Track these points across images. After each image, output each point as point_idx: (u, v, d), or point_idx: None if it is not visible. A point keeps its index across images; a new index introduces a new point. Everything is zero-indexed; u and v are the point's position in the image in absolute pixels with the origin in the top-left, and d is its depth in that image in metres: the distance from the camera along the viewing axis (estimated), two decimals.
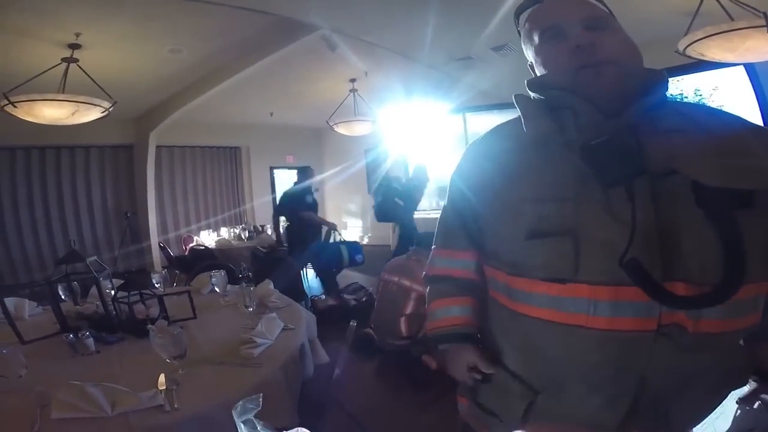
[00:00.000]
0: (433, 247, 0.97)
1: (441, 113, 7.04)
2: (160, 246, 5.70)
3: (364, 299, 4.10)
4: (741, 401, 0.80)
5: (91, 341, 1.50)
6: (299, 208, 4.81)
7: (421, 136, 7.82)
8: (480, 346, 0.89)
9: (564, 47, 0.72)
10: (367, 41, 4.18)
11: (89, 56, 3.95)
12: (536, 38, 0.77)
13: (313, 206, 5.06)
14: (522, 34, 0.83)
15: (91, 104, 3.69)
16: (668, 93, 0.73)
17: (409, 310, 2.98)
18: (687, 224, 0.61)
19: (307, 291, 3.91)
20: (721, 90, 4.30)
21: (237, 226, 6.29)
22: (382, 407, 2.48)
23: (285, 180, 8.19)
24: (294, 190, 5.02)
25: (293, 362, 1.50)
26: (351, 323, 1.75)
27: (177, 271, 5.08)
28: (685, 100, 4.43)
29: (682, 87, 4.50)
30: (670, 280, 0.61)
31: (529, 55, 0.82)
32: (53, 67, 3.82)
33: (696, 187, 0.59)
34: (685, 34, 2.88)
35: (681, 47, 2.93)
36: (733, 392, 0.77)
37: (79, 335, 1.49)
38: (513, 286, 0.75)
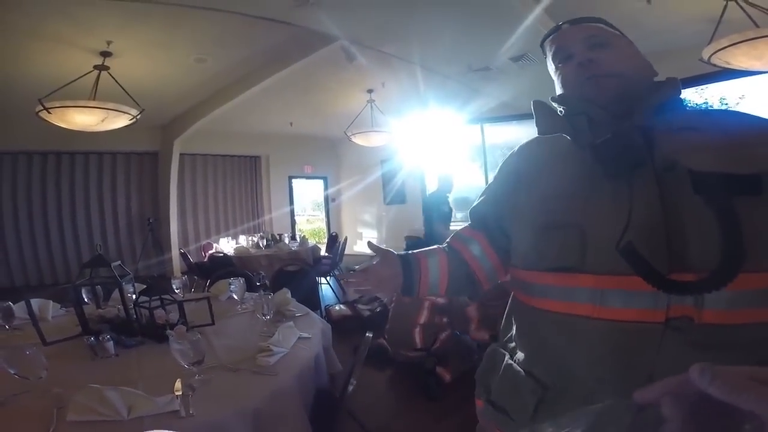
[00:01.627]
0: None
1: (458, 124, 7.03)
2: (180, 253, 5.80)
3: (378, 309, 4.09)
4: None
5: (111, 344, 1.52)
6: (432, 218, 4.76)
7: (438, 147, 7.82)
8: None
9: (571, 65, 0.82)
10: (385, 52, 4.22)
11: (119, 64, 4.09)
12: (552, 62, 0.88)
13: (447, 217, 4.95)
14: (547, 61, 0.93)
15: (120, 111, 3.82)
16: (683, 98, 0.79)
17: (422, 320, 2.96)
18: (690, 213, 0.63)
19: (321, 300, 3.91)
20: (748, 98, 4.19)
21: (255, 235, 6.35)
22: (395, 419, 2.47)
23: (303, 189, 8.29)
24: (430, 198, 4.97)
25: (308, 371, 1.50)
26: (367, 335, 1.73)
27: (195, 277, 5.14)
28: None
29: (706, 96, 4.39)
30: (678, 269, 0.62)
31: (552, 75, 0.92)
32: (86, 74, 3.96)
33: (692, 173, 0.62)
34: (709, 42, 2.84)
35: (705, 56, 2.89)
36: None
37: (100, 338, 1.51)
38: (527, 280, 0.81)
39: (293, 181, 9.46)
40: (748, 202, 0.59)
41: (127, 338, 1.64)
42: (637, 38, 0.85)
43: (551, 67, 0.90)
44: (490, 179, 0.98)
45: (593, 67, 0.78)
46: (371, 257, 0.94)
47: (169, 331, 1.44)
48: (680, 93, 0.78)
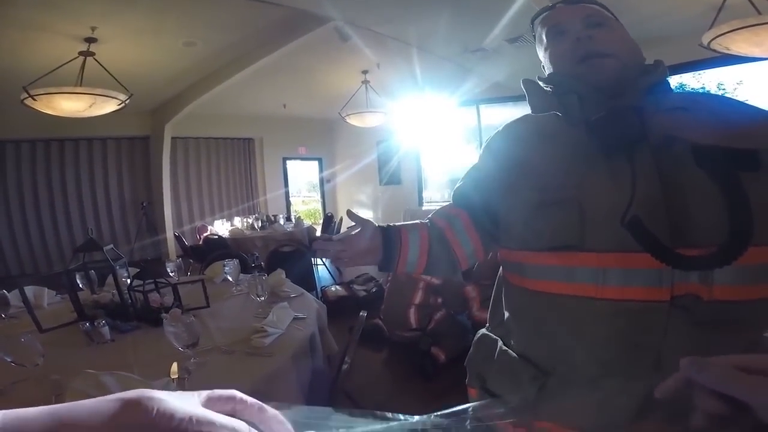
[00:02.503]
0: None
1: (454, 105, 6.98)
2: (175, 236, 5.80)
3: (373, 290, 4.13)
4: None
5: (106, 330, 1.53)
6: None
7: (434, 128, 7.78)
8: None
9: (566, 40, 0.81)
10: (379, 33, 4.15)
11: (105, 50, 4.00)
12: (544, 37, 0.86)
13: None
14: (536, 38, 0.92)
15: (108, 97, 3.77)
16: (671, 82, 0.79)
17: (417, 300, 2.99)
18: (691, 188, 0.63)
19: (317, 281, 3.93)
20: (746, 84, 4.18)
21: (250, 216, 6.33)
22: (390, 399, 2.50)
23: (298, 171, 8.26)
24: None
25: (303, 352, 1.51)
26: (360, 314, 1.75)
27: (191, 261, 5.16)
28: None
29: (704, 81, 4.38)
30: (680, 244, 0.61)
31: (540, 54, 0.90)
32: (70, 60, 3.88)
33: (694, 148, 0.62)
34: (710, 27, 2.81)
35: (705, 41, 2.87)
36: None
37: (95, 324, 1.52)
38: (521, 261, 0.78)
39: (288, 162, 9.41)
40: (749, 176, 0.58)
41: (123, 323, 1.65)
42: (633, 23, 0.84)
43: (542, 44, 0.88)
44: None
45: (591, 44, 0.77)
46: (350, 227, 0.88)
47: (163, 315, 1.45)
48: (667, 76, 0.78)
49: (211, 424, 0.27)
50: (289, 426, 0.32)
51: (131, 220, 7.47)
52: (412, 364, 2.80)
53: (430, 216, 0.94)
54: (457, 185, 0.94)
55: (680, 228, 0.63)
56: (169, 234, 7.04)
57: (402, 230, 0.89)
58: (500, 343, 0.85)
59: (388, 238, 0.87)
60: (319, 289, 4.07)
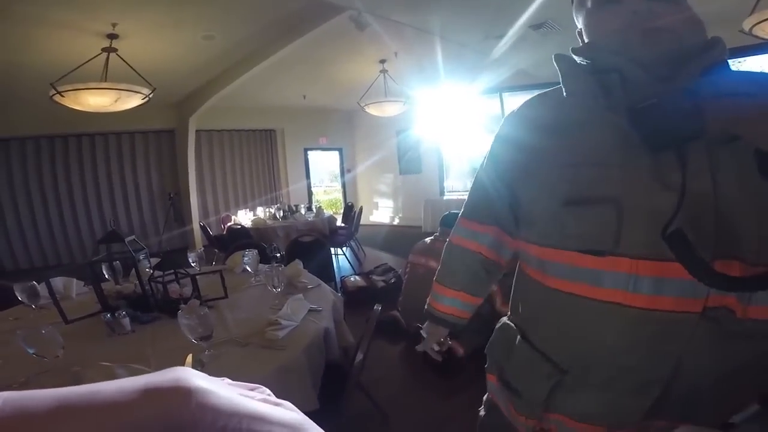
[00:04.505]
0: (460, 214, 0.98)
1: (475, 93, 6.85)
2: (200, 226, 5.94)
3: (392, 281, 4.10)
4: None
5: (127, 321, 1.56)
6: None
7: (454, 117, 7.66)
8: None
9: (620, 10, 0.67)
10: (396, 21, 4.08)
11: (128, 45, 4.09)
12: (589, 3, 0.73)
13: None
14: (576, 3, 0.78)
15: (132, 91, 3.87)
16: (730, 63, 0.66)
17: None
18: (747, 197, 0.55)
19: (336, 272, 3.95)
20: None
21: (272, 206, 6.41)
22: (405, 393, 2.48)
23: (320, 161, 8.28)
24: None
25: (317, 345, 1.50)
26: (375, 307, 1.74)
27: (216, 250, 5.26)
28: None
29: (744, 69, 4.19)
30: (724, 258, 0.56)
31: (579, 21, 0.77)
32: (94, 57, 3.98)
33: (759, 154, 0.53)
34: (752, 13, 2.68)
35: (747, 26, 2.73)
36: None
37: (116, 315, 1.55)
38: (547, 258, 0.72)
39: (309, 153, 9.49)
40: None
41: (143, 314, 1.68)
42: None
43: (583, 7, 0.74)
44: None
45: (652, 19, 0.64)
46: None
47: (182, 306, 1.47)
48: (727, 54, 0.66)
49: (266, 422, 0.22)
50: None
51: (160, 211, 7.71)
52: (428, 357, 2.76)
53: (467, 246, 0.94)
54: (476, 197, 0.92)
55: (726, 239, 0.56)
56: (196, 225, 7.22)
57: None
58: (519, 336, 0.83)
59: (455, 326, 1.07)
60: (338, 279, 4.10)
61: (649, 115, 0.58)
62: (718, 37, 0.66)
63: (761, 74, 0.65)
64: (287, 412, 0.24)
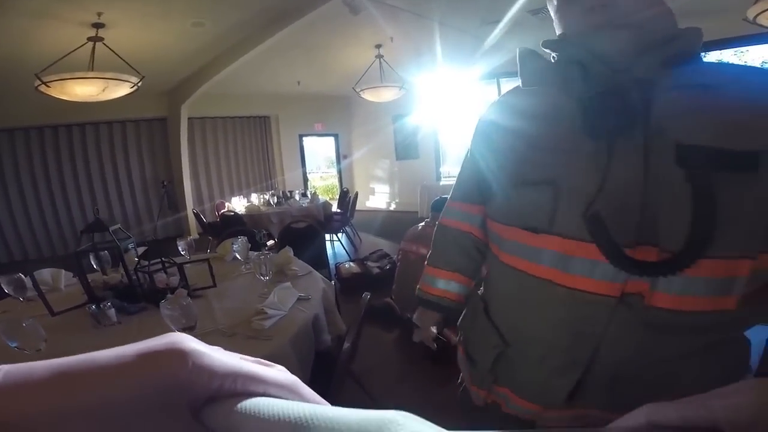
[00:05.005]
0: (449, 197, 0.99)
1: (473, 79, 6.76)
2: (194, 213, 5.91)
3: (387, 267, 4.08)
4: None
5: (113, 312, 1.54)
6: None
7: (451, 102, 7.59)
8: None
9: (578, 7, 0.70)
10: (391, 5, 3.99)
11: (115, 34, 4.01)
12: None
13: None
14: None
15: (120, 80, 3.80)
16: (702, 53, 0.66)
17: None
18: (669, 185, 0.57)
19: (331, 258, 3.92)
20: None
21: (266, 192, 6.34)
22: (399, 382, 2.47)
23: (316, 147, 8.23)
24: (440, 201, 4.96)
25: (305, 335, 1.49)
26: (364, 295, 1.73)
27: (210, 237, 5.24)
28: None
29: (747, 59, 4.17)
30: (644, 243, 0.58)
31: (551, 13, 0.80)
32: (80, 47, 3.89)
33: (678, 145, 0.55)
34: (756, 1, 2.62)
35: (751, 15, 2.68)
36: None
37: (102, 306, 1.53)
38: (498, 233, 0.78)
39: (304, 139, 9.41)
40: (737, 180, 0.52)
41: (129, 304, 1.66)
42: None
43: (552, 2, 0.76)
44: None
45: (606, 13, 0.65)
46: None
47: (169, 296, 1.45)
48: (699, 45, 0.64)
49: (260, 382, 0.23)
50: None
51: (154, 199, 7.66)
52: (422, 345, 2.76)
53: (458, 226, 0.95)
54: (464, 178, 0.93)
55: (649, 225, 0.58)
56: (190, 212, 7.20)
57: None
58: (482, 305, 0.87)
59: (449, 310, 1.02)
60: (333, 266, 4.09)
61: (594, 104, 0.62)
62: (689, 28, 0.65)
63: (734, 66, 0.63)
64: (280, 372, 0.25)
